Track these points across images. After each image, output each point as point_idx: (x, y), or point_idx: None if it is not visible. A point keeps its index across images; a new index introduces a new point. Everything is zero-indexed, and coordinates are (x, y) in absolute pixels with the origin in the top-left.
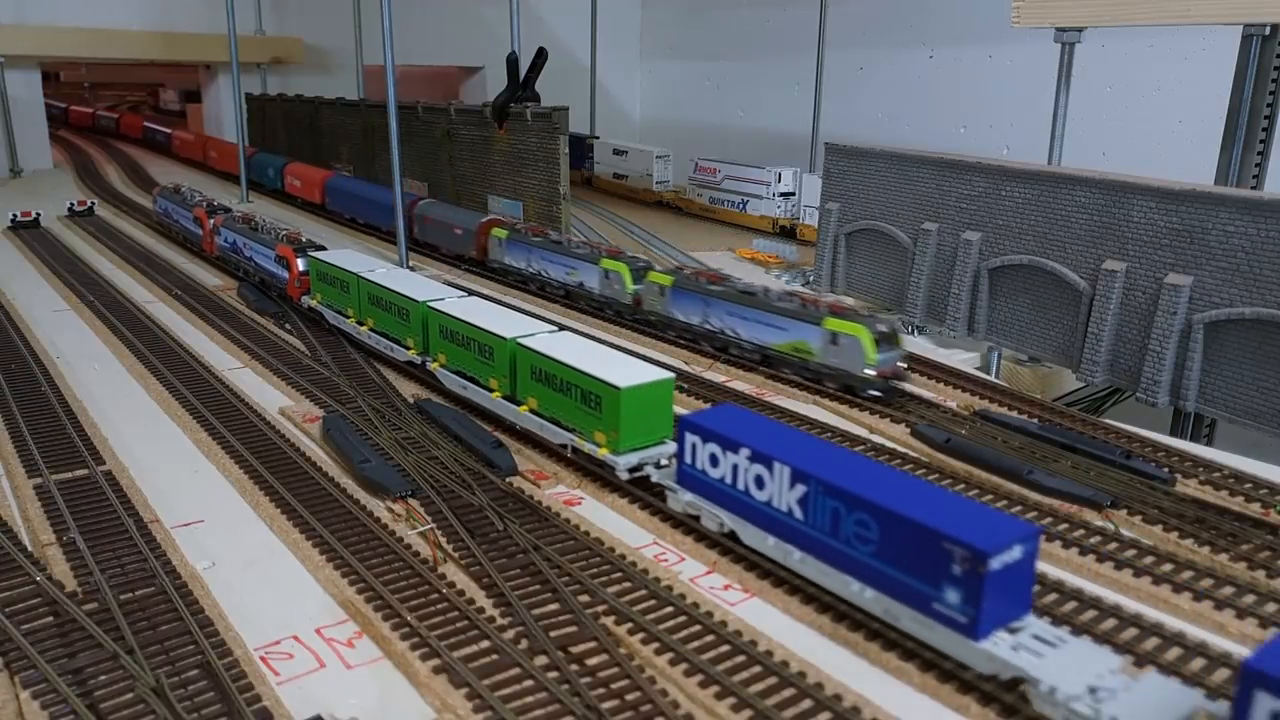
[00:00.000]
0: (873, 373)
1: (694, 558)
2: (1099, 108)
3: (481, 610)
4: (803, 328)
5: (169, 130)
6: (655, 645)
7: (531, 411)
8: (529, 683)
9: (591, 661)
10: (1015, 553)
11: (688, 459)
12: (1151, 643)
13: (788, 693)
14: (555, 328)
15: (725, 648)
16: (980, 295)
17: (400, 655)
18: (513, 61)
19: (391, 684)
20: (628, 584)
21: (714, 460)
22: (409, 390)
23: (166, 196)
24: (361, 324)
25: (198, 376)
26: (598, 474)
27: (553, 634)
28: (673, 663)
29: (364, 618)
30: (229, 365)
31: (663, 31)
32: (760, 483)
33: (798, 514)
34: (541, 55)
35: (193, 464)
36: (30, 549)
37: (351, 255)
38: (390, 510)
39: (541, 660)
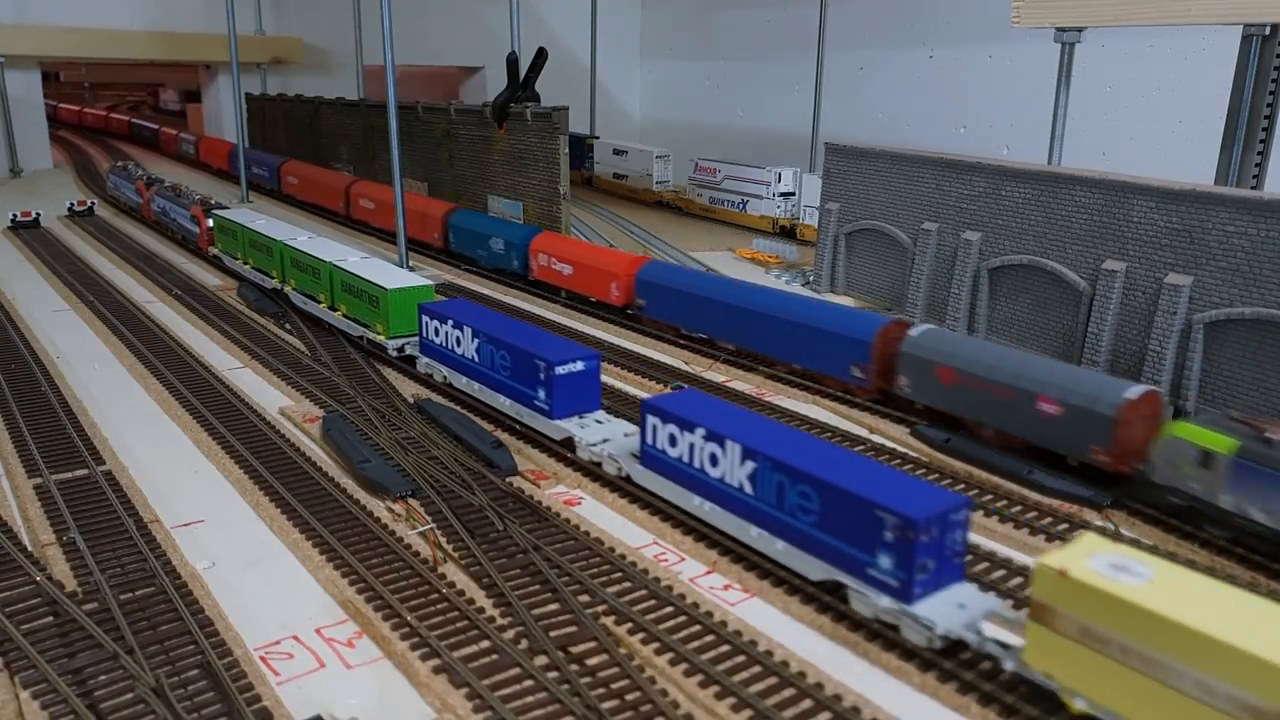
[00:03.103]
0: None
1: (694, 558)
2: (1099, 108)
3: (481, 610)
4: None
5: (273, 162)
6: (655, 645)
7: (344, 315)
8: (529, 683)
9: (591, 661)
10: (578, 365)
11: (425, 334)
12: None
13: (788, 693)
14: (367, 254)
15: (725, 648)
16: (980, 295)
17: (400, 655)
18: (513, 61)
19: (391, 684)
20: (628, 584)
21: (437, 332)
22: (409, 390)
23: (117, 173)
24: (246, 263)
25: (198, 376)
26: (598, 474)
27: (553, 634)
28: (673, 663)
29: (364, 618)
30: (229, 365)
31: (663, 31)
32: (459, 342)
33: (476, 359)
34: (541, 55)
35: (193, 464)
36: (30, 549)
37: (244, 213)
38: (390, 510)
39: (541, 660)
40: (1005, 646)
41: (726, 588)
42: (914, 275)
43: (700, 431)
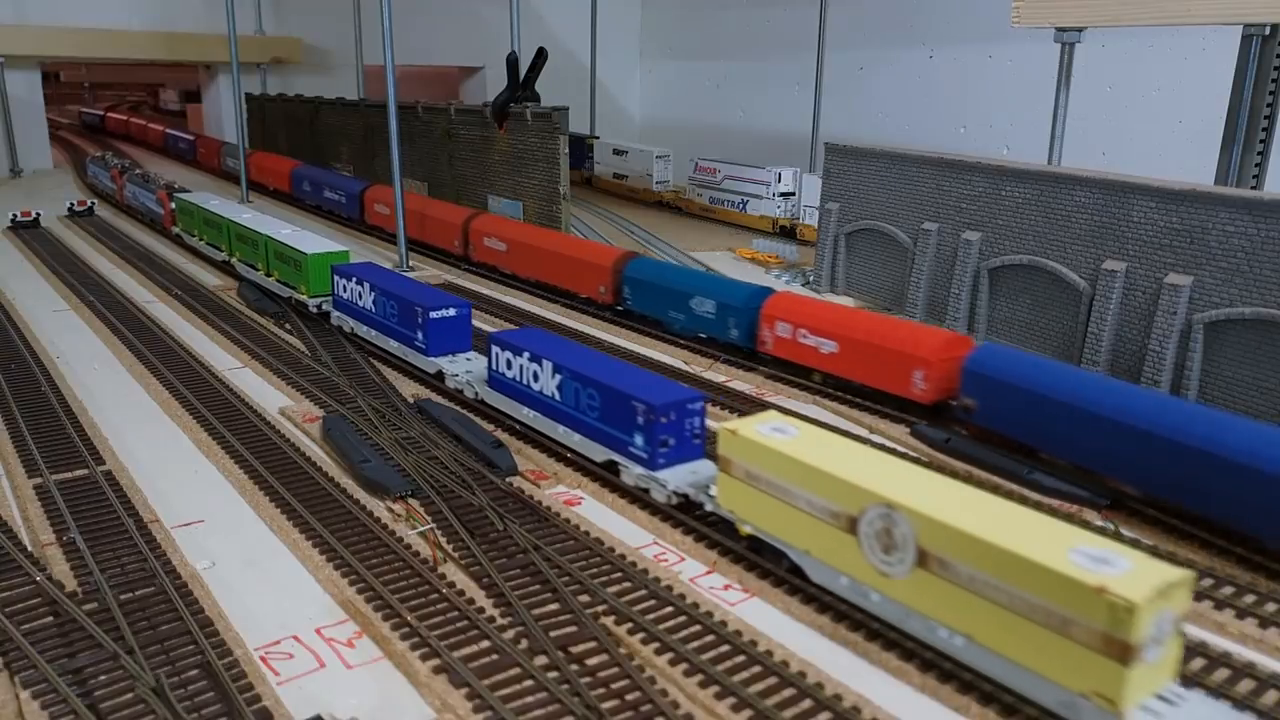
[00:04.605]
0: None
1: (694, 558)
2: (1099, 108)
3: (481, 610)
4: None
5: (354, 187)
6: (655, 645)
7: (277, 280)
8: (529, 683)
9: (591, 661)
10: (450, 311)
11: (338, 291)
12: None
13: (788, 693)
14: (297, 228)
15: (725, 648)
16: (980, 295)
17: (400, 655)
18: (513, 61)
19: (391, 684)
20: (628, 584)
21: (345, 289)
22: (409, 390)
23: (95, 163)
24: (200, 239)
25: (198, 376)
26: (598, 474)
27: (553, 634)
28: (673, 663)
29: (364, 618)
30: (229, 365)
31: (663, 31)
32: (360, 296)
33: (373, 309)
34: (541, 55)
35: (193, 464)
36: (30, 549)
37: (203, 196)
38: (390, 510)
39: (541, 660)
40: (711, 496)
41: (726, 588)
42: (914, 275)
43: (526, 355)
